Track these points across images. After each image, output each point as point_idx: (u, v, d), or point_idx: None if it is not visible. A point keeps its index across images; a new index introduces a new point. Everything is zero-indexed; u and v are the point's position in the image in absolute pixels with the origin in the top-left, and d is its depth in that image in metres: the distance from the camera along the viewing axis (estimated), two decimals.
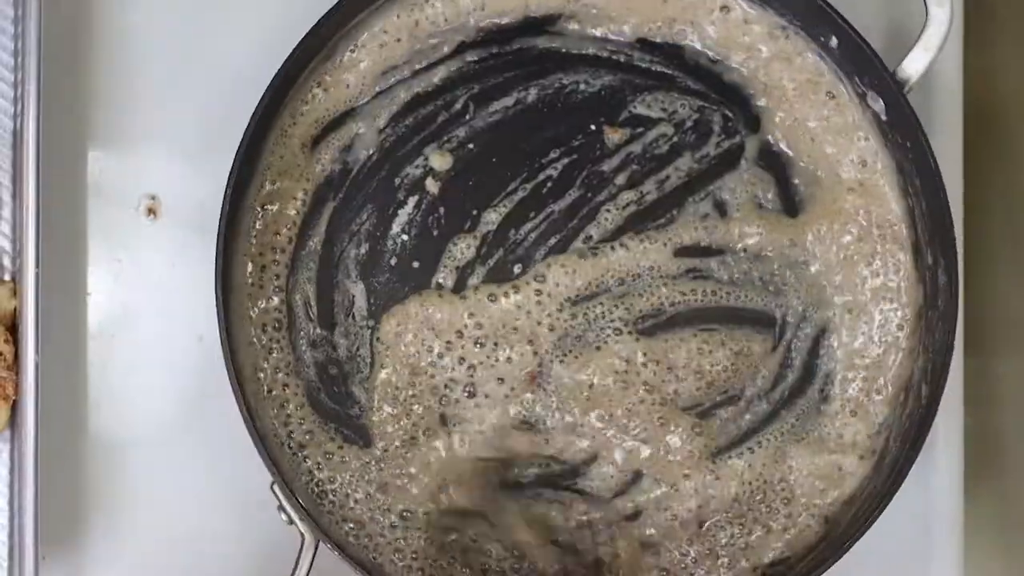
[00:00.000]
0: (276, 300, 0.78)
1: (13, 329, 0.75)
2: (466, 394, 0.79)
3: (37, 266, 0.74)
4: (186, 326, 0.81)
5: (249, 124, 0.74)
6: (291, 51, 0.75)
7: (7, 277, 0.76)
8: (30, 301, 0.74)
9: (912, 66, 0.76)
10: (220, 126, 0.78)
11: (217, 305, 0.74)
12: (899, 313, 0.79)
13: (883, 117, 0.78)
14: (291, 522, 0.73)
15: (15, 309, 0.75)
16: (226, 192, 0.74)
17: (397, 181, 0.80)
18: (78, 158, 0.82)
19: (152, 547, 0.81)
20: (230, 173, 0.74)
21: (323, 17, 0.75)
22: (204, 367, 0.80)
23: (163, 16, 0.82)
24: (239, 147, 0.74)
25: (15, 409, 0.74)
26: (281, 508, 0.74)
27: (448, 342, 0.79)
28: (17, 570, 0.74)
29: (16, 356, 0.74)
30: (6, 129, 0.76)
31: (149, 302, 0.82)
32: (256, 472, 0.74)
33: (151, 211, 0.82)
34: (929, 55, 0.76)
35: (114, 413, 0.81)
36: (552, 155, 0.80)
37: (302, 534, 0.73)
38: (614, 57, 0.81)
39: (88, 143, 0.82)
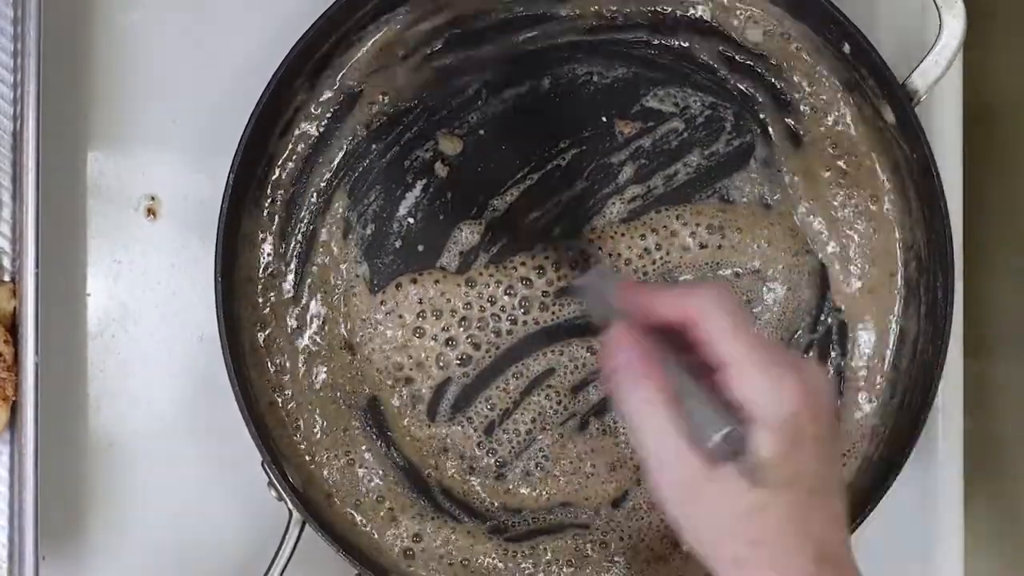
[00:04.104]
0: (278, 293, 0.79)
1: (13, 330, 0.75)
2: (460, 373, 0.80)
3: (37, 266, 0.74)
4: (186, 326, 0.81)
5: (253, 113, 0.75)
6: (293, 45, 0.75)
7: (7, 278, 0.76)
8: (30, 302, 0.74)
9: (922, 78, 0.76)
10: (220, 126, 0.78)
11: (217, 305, 0.74)
12: (897, 322, 0.80)
13: (892, 126, 0.78)
14: (280, 498, 0.74)
15: (15, 310, 0.75)
16: (226, 190, 0.74)
17: (406, 164, 0.80)
18: (78, 158, 0.82)
19: (152, 547, 0.81)
20: (230, 169, 0.74)
21: (326, 12, 0.76)
22: (204, 367, 0.80)
23: (163, 16, 0.82)
24: (242, 137, 0.74)
25: (15, 410, 0.74)
26: (271, 485, 0.75)
27: (441, 324, 0.80)
28: (17, 570, 0.74)
29: (16, 357, 0.74)
30: (6, 129, 0.76)
31: (149, 302, 0.82)
32: (257, 472, 0.75)
33: (151, 211, 0.82)
34: (940, 68, 0.76)
35: (114, 413, 0.81)
36: (561, 145, 0.80)
37: (290, 511, 0.74)
38: (629, 50, 0.81)
39: (88, 143, 0.82)
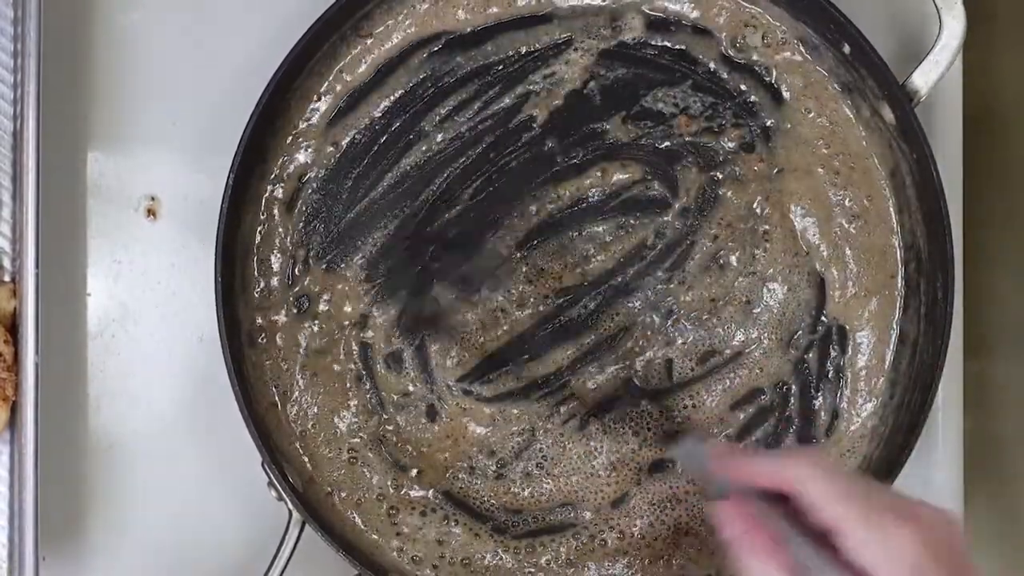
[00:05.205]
0: (277, 293, 0.79)
1: (13, 330, 0.75)
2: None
3: (37, 267, 0.74)
4: (186, 326, 0.81)
5: (254, 113, 0.75)
6: (293, 45, 0.75)
7: (7, 278, 0.76)
8: (30, 302, 0.74)
9: (922, 78, 0.76)
10: (220, 126, 0.78)
11: (217, 305, 0.74)
12: (897, 322, 0.80)
13: (892, 127, 0.78)
14: (280, 498, 0.75)
15: (15, 310, 0.75)
16: (226, 190, 0.74)
17: (403, 165, 0.80)
18: (78, 158, 0.82)
19: (152, 547, 0.81)
20: (230, 169, 0.75)
21: (324, 15, 0.76)
22: (204, 367, 0.81)
23: (163, 16, 0.82)
24: (242, 137, 0.75)
25: (15, 410, 0.74)
26: (271, 485, 0.75)
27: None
28: (17, 570, 0.74)
29: (16, 357, 0.74)
30: (6, 129, 0.76)
31: (149, 302, 0.82)
32: (257, 472, 0.75)
33: (151, 212, 0.82)
34: (940, 68, 0.76)
35: (114, 413, 0.81)
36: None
37: (289, 511, 0.75)
38: (629, 51, 0.80)
39: (88, 143, 0.82)
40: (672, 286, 0.80)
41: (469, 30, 0.80)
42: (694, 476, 0.77)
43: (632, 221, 0.80)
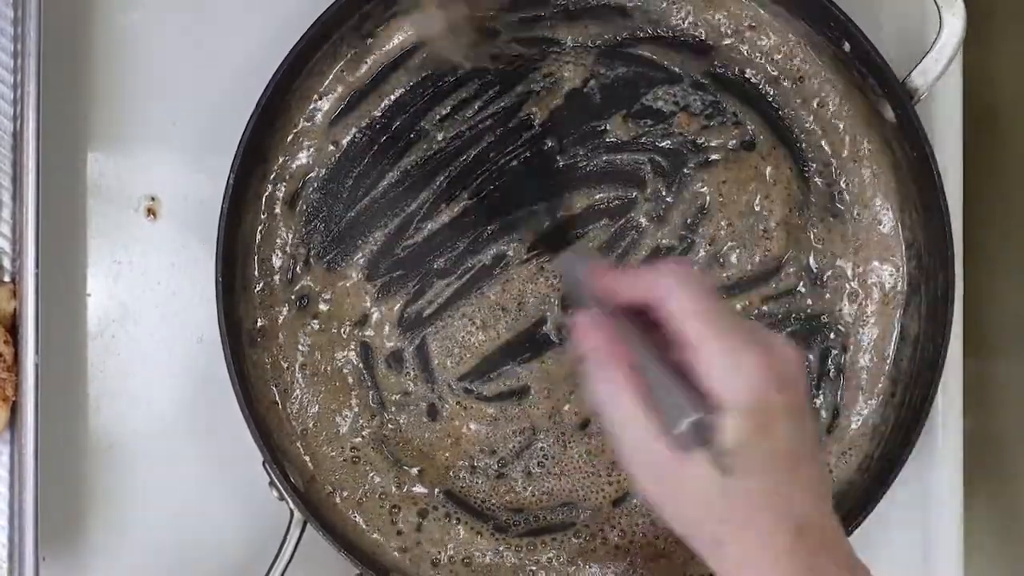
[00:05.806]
0: (279, 291, 0.79)
1: (13, 330, 0.75)
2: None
3: (37, 267, 0.74)
4: (186, 326, 0.81)
5: (254, 113, 0.75)
6: (293, 45, 0.75)
7: (7, 278, 0.76)
8: (30, 302, 0.74)
9: (922, 76, 0.76)
10: (220, 126, 0.78)
11: (218, 304, 0.74)
12: (899, 320, 0.80)
13: (892, 125, 0.78)
14: (281, 498, 0.75)
15: (15, 310, 0.75)
16: (227, 190, 0.74)
17: (404, 164, 0.80)
18: (78, 158, 0.82)
19: (152, 547, 0.81)
20: (231, 168, 0.75)
21: (322, 16, 0.76)
22: (204, 367, 0.80)
23: (163, 16, 0.82)
24: (242, 137, 0.75)
25: (15, 410, 0.74)
26: (272, 484, 0.75)
27: (441, 323, 0.80)
28: (17, 570, 0.74)
29: (16, 357, 0.74)
30: (6, 129, 0.76)
31: (149, 302, 0.82)
32: (258, 472, 0.75)
33: (151, 212, 0.82)
34: (940, 66, 0.76)
35: (114, 413, 0.81)
36: (564, 143, 0.80)
37: (291, 511, 0.75)
38: (630, 50, 0.81)
39: (88, 143, 0.82)
40: None
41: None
42: (569, 290, 0.74)
43: (632, 220, 0.80)
